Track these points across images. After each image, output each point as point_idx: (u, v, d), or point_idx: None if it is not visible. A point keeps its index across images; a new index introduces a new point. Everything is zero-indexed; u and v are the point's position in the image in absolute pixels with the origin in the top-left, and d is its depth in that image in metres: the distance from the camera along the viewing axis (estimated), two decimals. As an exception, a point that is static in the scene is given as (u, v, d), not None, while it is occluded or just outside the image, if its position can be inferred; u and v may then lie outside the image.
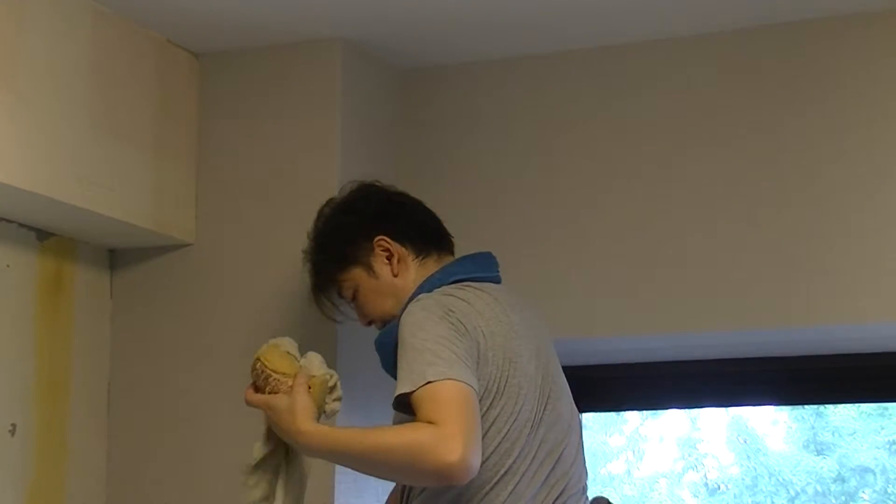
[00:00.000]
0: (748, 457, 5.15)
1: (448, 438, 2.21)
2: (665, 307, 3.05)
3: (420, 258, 2.63)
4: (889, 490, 4.84)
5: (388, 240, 2.62)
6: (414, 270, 2.62)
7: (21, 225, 2.92)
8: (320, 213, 2.74)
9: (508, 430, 2.38)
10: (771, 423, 5.15)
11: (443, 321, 2.36)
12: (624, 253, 3.09)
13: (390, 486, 2.70)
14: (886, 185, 2.94)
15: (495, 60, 3.23)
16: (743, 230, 3.01)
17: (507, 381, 2.40)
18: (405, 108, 3.27)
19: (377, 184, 2.75)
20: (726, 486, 5.21)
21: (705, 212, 3.04)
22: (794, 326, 3.00)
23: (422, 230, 2.66)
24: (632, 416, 5.23)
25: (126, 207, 2.94)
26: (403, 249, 2.63)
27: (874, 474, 4.90)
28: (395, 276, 2.61)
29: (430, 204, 3.02)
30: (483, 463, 2.29)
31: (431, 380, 2.27)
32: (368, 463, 2.36)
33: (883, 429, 4.84)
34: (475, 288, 2.50)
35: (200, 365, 3.06)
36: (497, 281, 2.60)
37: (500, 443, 2.37)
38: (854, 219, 2.95)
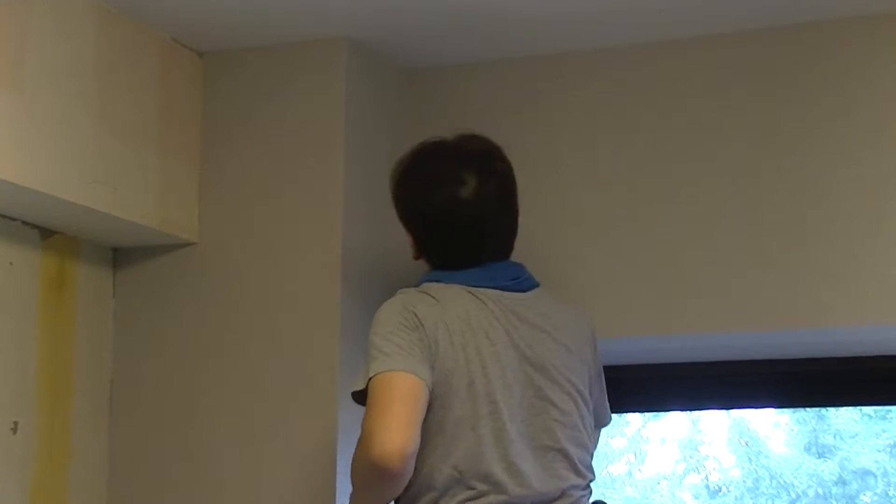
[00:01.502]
0: (749, 459, 5.14)
1: (369, 437, 2.33)
2: (667, 310, 3.05)
3: (434, 267, 2.66)
4: (890, 493, 4.83)
5: (411, 239, 2.67)
6: (429, 266, 2.66)
7: (24, 223, 2.92)
8: (416, 150, 2.71)
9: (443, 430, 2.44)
10: (772, 425, 5.15)
11: (396, 316, 2.45)
12: (625, 255, 3.09)
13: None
14: (890, 188, 2.94)
15: (500, 61, 3.24)
16: (746, 232, 3.01)
17: (452, 380, 2.45)
18: (410, 107, 3.27)
19: (449, 188, 2.61)
20: (727, 488, 5.21)
21: (708, 214, 3.04)
22: (796, 329, 3.00)
23: (444, 258, 2.64)
24: (633, 418, 5.22)
25: (129, 206, 2.94)
26: (422, 256, 2.67)
27: (875, 477, 4.90)
28: (415, 258, 2.69)
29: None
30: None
31: (371, 375, 2.38)
32: (365, 496, 2.48)
33: (885, 432, 4.84)
34: (465, 290, 2.54)
35: (203, 364, 3.06)
36: (509, 289, 2.60)
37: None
38: (857, 222, 2.95)
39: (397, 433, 2.32)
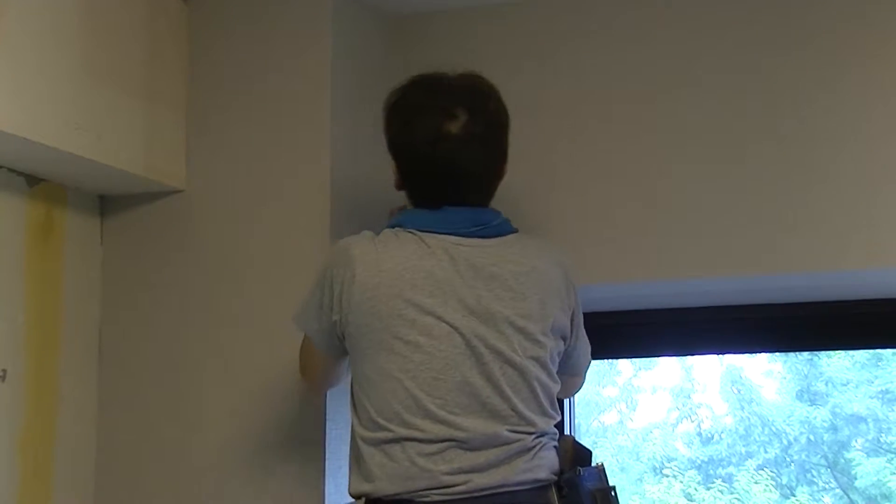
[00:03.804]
0: (742, 406, 5.19)
1: (301, 374, 2.78)
2: (658, 254, 3.04)
3: (412, 203, 2.64)
4: (881, 439, 4.88)
5: (394, 168, 2.64)
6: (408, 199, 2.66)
7: (10, 170, 2.90)
8: (412, 79, 2.68)
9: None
10: (765, 373, 5.18)
11: (322, 271, 2.58)
12: (616, 200, 3.08)
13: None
14: (880, 131, 2.93)
15: (488, 6, 3.21)
16: (737, 176, 3.00)
17: (372, 335, 2.50)
18: (397, 53, 3.25)
19: (423, 122, 2.59)
20: (720, 435, 5.25)
21: (699, 158, 3.03)
22: (788, 273, 3.00)
23: (421, 191, 2.62)
24: (625, 367, 5.26)
25: (116, 153, 2.92)
26: (402, 186, 2.65)
27: (867, 423, 4.94)
28: (396, 188, 2.68)
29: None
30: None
31: (294, 317, 2.66)
32: None
33: (876, 378, 4.87)
34: (416, 239, 2.53)
35: (191, 310, 3.05)
36: (470, 235, 2.56)
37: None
38: (847, 165, 2.94)
39: (316, 387, 2.81)
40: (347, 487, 2.53)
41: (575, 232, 3.07)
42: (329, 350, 2.60)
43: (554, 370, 2.58)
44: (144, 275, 3.11)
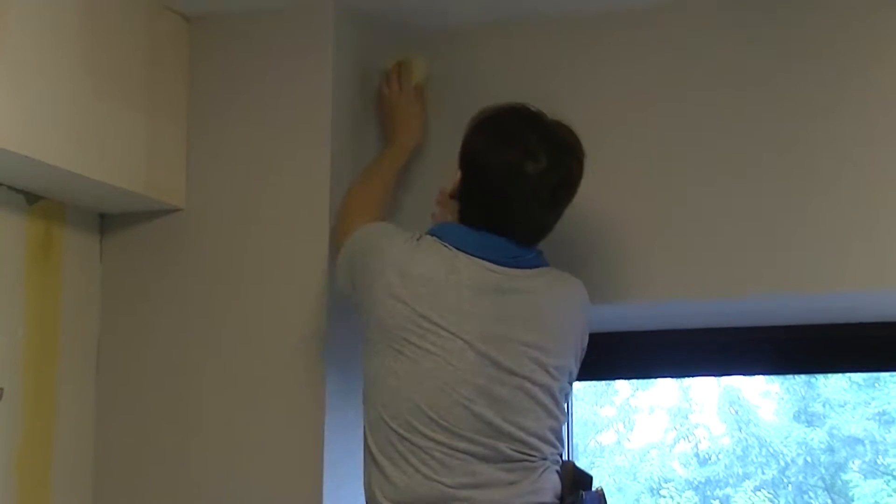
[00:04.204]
0: (739, 427, 5.18)
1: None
2: (656, 276, 3.04)
3: (459, 216, 2.67)
4: (878, 461, 4.87)
5: (459, 178, 2.66)
6: (452, 213, 2.68)
7: (10, 188, 2.90)
8: (511, 106, 2.70)
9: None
10: (762, 394, 5.18)
11: (353, 247, 2.69)
12: (613, 221, 3.08)
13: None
14: (880, 151, 2.94)
15: (491, 24, 3.21)
16: (733, 197, 3.00)
17: (386, 334, 2.54)
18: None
19: (512, 144, 2.62)
20: (717, 456, 5.24)
21: (696, 179, 3.03)
22: (786, 295, 2.99)
23: (472, 211, 2.64)
24: (622, 387, 5.25)
25: (116, 171, 2.92)
26: (457, 196, 2.67)
27: (864, 445, 4.93)
28: (450, 196, 2.69)
29: (423, 167, 3.02)
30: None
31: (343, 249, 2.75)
32: None
33: (874, 400, 4.87)
34: (449, 257, 2.55)
35: (190, 329, 3.05)
36: (502, 264, 2.58)
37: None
38: (846, 185, 2.94)
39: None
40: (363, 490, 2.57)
41: (572, 253, 3.07)
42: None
43: (562, 403, 2.60)
44: (143, 292, 3.11)
